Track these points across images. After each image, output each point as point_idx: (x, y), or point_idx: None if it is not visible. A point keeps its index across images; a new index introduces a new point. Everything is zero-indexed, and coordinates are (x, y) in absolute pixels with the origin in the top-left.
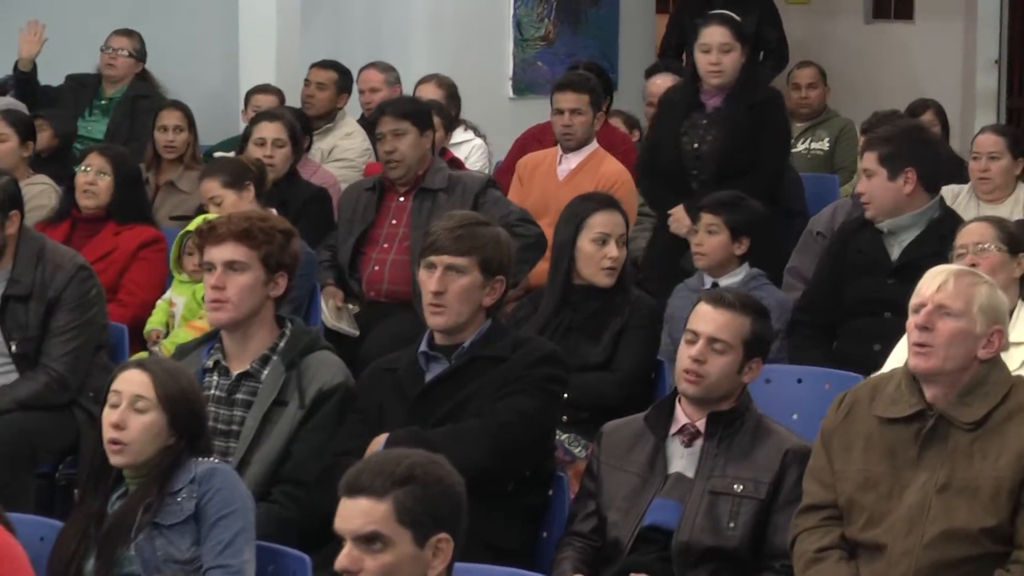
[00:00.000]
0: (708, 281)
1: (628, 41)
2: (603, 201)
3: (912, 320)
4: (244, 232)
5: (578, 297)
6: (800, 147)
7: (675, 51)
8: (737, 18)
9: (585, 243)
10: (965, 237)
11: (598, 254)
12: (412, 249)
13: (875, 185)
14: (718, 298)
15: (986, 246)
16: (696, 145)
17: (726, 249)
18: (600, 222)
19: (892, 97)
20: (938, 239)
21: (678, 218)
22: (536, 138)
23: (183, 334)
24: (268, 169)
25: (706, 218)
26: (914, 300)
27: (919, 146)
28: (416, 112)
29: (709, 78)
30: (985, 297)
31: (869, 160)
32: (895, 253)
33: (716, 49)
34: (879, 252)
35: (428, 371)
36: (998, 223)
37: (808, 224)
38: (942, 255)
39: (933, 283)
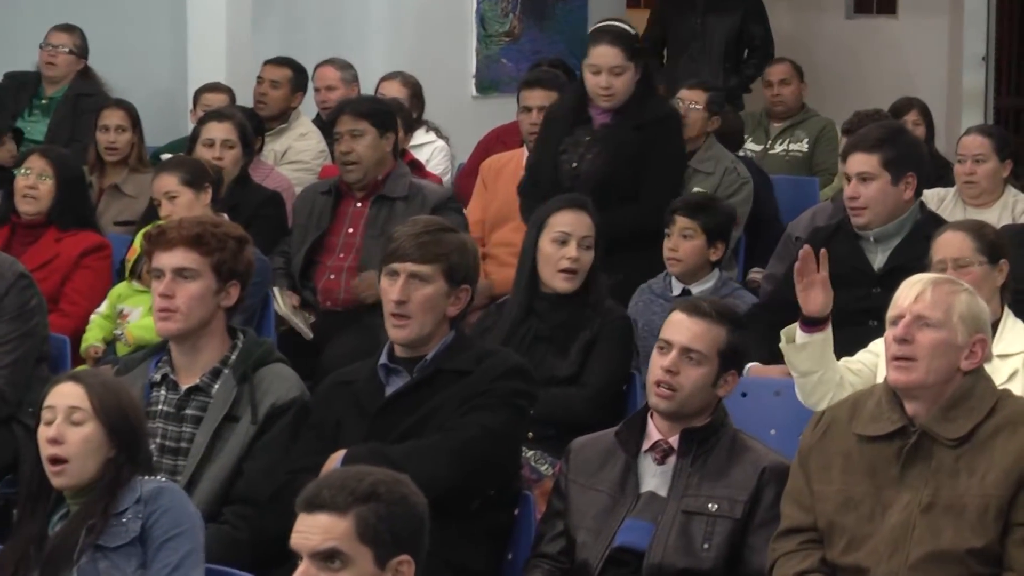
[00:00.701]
0: (677, 287)
1: None
2: (570, 200)
3: (890, 333)
4: (196, 238)
5: (544, 305)
6: (777, 148)
7: (656, 48)
8: (630, 31)
9: (545, 243)
10: (943, 250)
11: (556, 255)
12: (363, 259)
13: (876, 190)
14: (694, 307)
15: (967, 261)
16: (575, 164)
17: (702, 254)
18: (561, 221)
19: (874, 96)
20: (924, 241)
21: None
22: (500, 139)
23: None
24: None
25: (681, 222)
26: (891, 312)
27: (917, 149)
28: (376, 112)
29: (599, 100)
30: (965, 305)
31: (868, 163)
32: (879, 260)
33: (607, 71)
34: (858, 261)
35: (388, 385)
36: (975, 232)
37: (787, 228)
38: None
39: (910, 293)
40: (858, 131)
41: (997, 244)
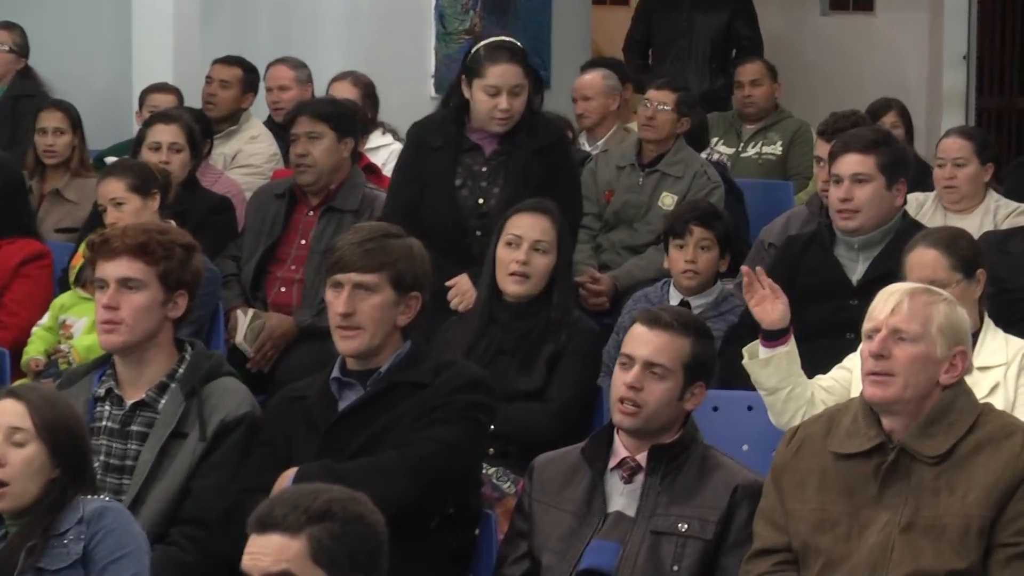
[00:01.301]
0: (675, 297)
1: (562, 35)
2: (530, 204)
3: (866, 347)
4: (141, 246)
5: (506, 316)
6: (750, 151)
7: (641, 47)
8: (524, 48)
9: (500, 247)
10: (917, 271)
11: (507, 258)
12: (308, 271)
13: (872, 193)
14: (654, 318)
15: (943, 283)
16: (480, 200)
17: (716, 266)
18: (514, 224)
19: (851, 96)
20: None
21: (463, 291)
22: None
23: None
24: None
25: (698, 232)
26: (867, 325)
27: (908, 155)
28: (336, 115)
29: (493, 124)
30: (944, 316)
31: (865, 164)
32: (857, 270)
33: (507, 92)
34: (834, 271)
35: (341, 399)
36: (948, 248)
37: (760, 234)
38: None
39: (886, 305)
40: (847, 131)
41: (972, 256)
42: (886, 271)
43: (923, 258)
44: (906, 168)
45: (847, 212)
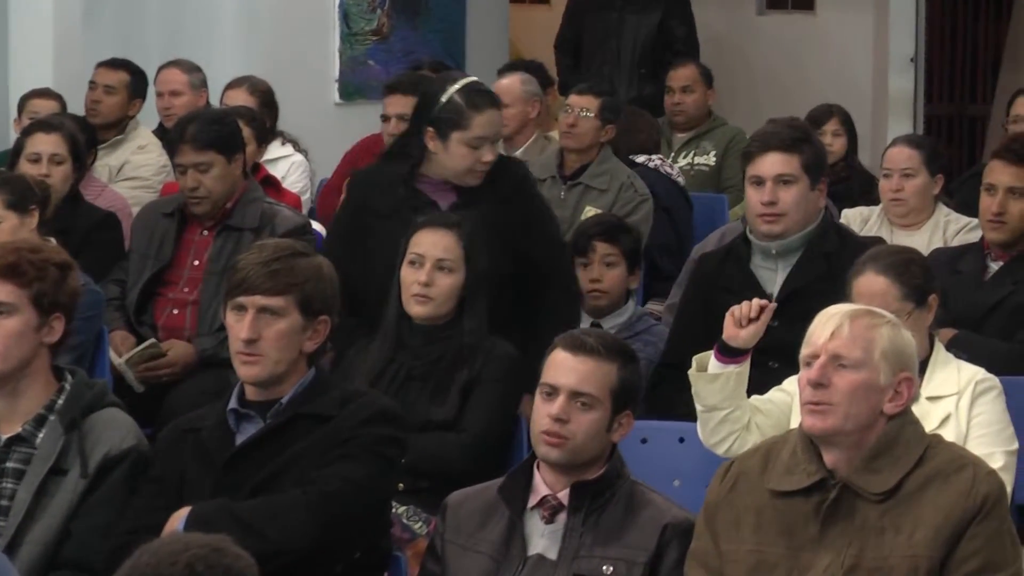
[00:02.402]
0: (586, 320)
1: (477, 36)
2: (432, 219)
3: (804, 375)
4: (11, 267)
5: (416, 340)
6: (681, 161)
7: (572, 46)
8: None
9: (404, 267)
10: (866, 298)
11: (409, 278)
12: (204, 293)
13: (798, 195)
14: (578, 343)
15: (893, 312)
16: None
17: (624, 283)
18: (416, 242)
19: (791, 102)
20: (821, 259)
21: None
22: (369, 151)
23: None
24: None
25: (601, 248)
26: (804, 351)
27: (825, 153)
28: (221, 138)
29: (470, 178)
30: (887, 340)
31: (789, 164)
32: (776, 280)
33: (491, 143)
34: (753, 289)
35: (239, 432)
36: (899, 274)
37: (692, 252)
38: (832, 278)
39: (825, 329)
40: (763, 130)
41: (924, 283)
42: (804, 284)
43: (872, 285)
44: (824, 166)
45: (771, 216)
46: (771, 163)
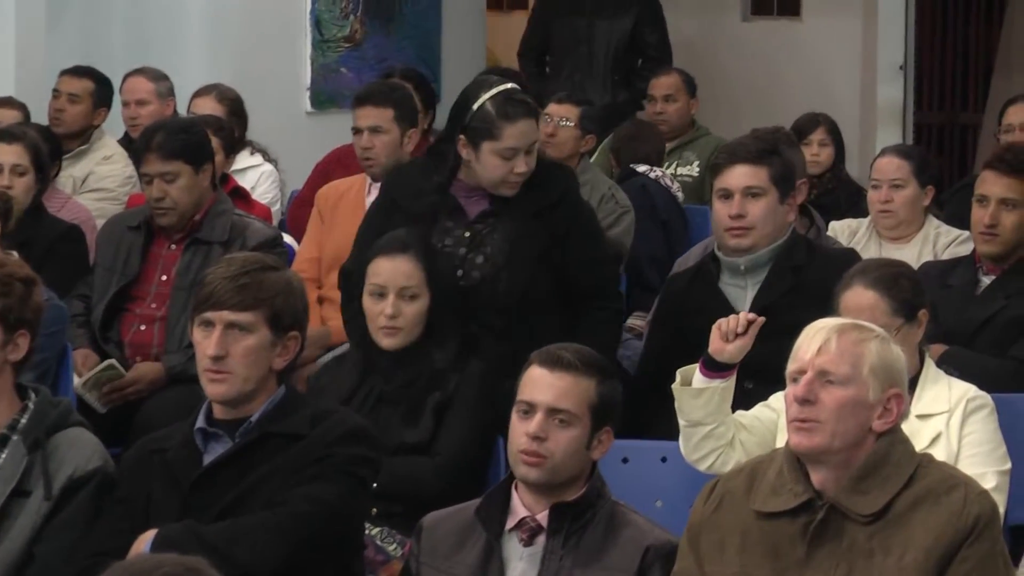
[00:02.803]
0: None
1: (453, 43)
2: (386, 244)
3: (790, 391)
4: None
5: (386, 362)
6: None
7: (537, 54)
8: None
9: (365, 298)
10: (853, 313)
11: (375, 310)
12: (172, 308)
13: (767, 208)
14: (555, 359)
15: (882, 328)
16: (460, 272)
17: None
18: (375, 271)
19: (777, 110)
20: (790, 273)
21: None
22: (341, 162)
23: None
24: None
25: None
26: (791, 366)
27: (795, 165)
28: (189, 148)
29: (504, 189)
30: (876, 356)
31: (757, 176)
32: (746, 298)
33: (525, 153)
34: (723, 308)
35: (207, 452)
36: (888, 288)
37: (675, 266)
38: (801, 291)
39: (812, 344)
40: (731, 142)
41: (914, 297)
42: (774, 300)
43: (860, 300)
44: (794, 179)
45: (739, 229)
46: (738, 175)
